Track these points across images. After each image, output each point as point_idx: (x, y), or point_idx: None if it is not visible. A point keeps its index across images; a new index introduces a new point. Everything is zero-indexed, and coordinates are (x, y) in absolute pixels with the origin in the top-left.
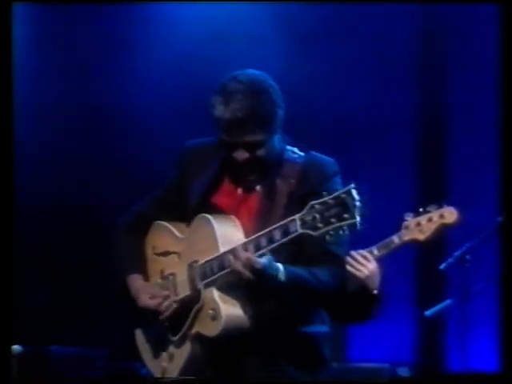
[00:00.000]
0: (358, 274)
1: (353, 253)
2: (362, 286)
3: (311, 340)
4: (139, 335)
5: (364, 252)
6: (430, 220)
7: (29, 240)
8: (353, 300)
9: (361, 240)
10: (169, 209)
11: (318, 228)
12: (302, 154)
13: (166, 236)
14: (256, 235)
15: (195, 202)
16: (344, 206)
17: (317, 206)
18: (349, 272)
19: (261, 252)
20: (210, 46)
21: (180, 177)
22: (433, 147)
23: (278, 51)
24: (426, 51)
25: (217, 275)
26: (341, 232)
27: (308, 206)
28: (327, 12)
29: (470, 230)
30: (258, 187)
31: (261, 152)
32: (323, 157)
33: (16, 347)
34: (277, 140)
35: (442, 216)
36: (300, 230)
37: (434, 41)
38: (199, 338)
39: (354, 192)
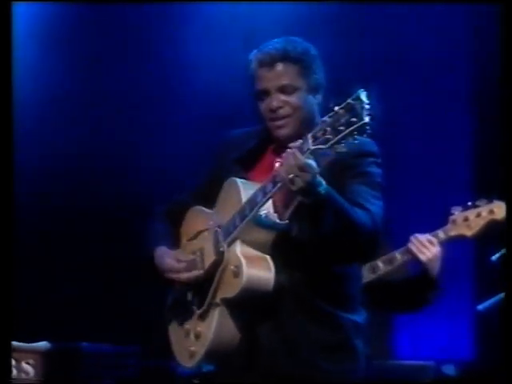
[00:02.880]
0: (420, 256)
1: (417, 235)
2: (422, 269)
3: (339, 323)
4: (170, 326)
5: (429, 236)
6: (478, 215)
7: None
8: (412, 284)
9: (402, 234)
10: (207, 197)
11: (328, 140)
12: None
13: (198, 218)
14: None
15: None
16: (353, 111)
17: (328, 120)
18: (411, 254)
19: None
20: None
21: (219, 164)
22: (489, 136)
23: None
24: (483, 38)
25: (239, 227)
26: (351, 140)
27: (320, 122)
28: (376, 9)
29: None
30: None
31: (295, 99)
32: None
33: (42, 343)
34: (314, 103)
35: (491, 211)
36: (312, 147)
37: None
38: (224, 307)
39: (363, 95)
